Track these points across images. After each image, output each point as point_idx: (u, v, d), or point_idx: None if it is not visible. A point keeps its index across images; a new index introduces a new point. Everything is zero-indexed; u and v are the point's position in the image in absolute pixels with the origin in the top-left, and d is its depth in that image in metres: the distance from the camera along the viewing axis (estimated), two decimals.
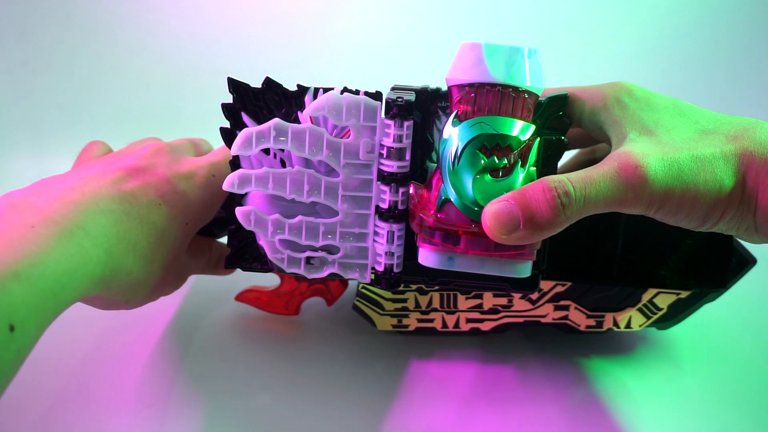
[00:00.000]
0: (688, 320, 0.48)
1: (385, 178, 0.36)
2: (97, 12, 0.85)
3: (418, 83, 0.39)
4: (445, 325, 0.47)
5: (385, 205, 0.36)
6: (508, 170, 0.33)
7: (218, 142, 0.43)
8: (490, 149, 0.33)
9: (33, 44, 0.83)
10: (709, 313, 0.50)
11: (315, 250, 0.38)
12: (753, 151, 0.31)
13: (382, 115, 0.35)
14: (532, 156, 0.34)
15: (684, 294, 0.46)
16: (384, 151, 0.35)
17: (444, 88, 0.37)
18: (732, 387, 0.46)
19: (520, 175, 0.33)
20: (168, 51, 0.86)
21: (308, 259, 0.38)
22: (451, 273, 0.37)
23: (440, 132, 0.35)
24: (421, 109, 0.38)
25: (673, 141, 0.32)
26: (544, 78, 0.34)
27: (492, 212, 0.31)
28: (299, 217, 0.37)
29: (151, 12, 0.85)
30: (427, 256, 0.34)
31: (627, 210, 0.32)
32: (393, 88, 0.38)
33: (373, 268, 0.38)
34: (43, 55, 0.84)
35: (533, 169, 0.34)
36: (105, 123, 0.84)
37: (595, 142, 0.44)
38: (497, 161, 0.33)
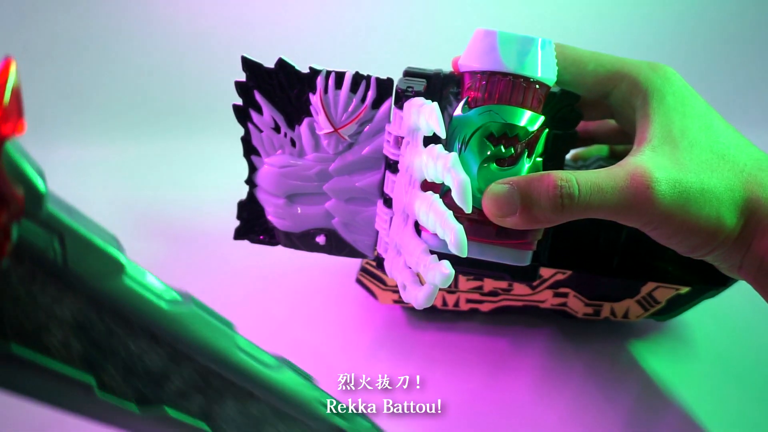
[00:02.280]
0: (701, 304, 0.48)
1: (391, 165, 0.36)
2: None
3: (434, 65, 0.39)
4: (445, 303, 0.48)
5: (390, 192, 0.37)
6: (514, 160, 0.33)
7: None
8: (498, 138, 0.33)
9: (32, 32, 0.82)
10: (724, 296, 0.50)
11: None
12: (761, 197, 0.31)
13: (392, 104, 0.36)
14: (539, 147, 0.34)
15: (683, 290, 0.46)
16: (391, 139, 0.36)
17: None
18: (744, 371, 0.47)
19: (526, 165, 0.33)
20: (171, 38, 0.85)
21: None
22: (452, 257, 0.37)
23: (450, 118, 0.36)
24: (433, 95, 0.39)
25: (690, 161, 0.32)
26: (556, 69, 0.34)
27: (493, 192, 0.32)
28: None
29: None
30: (427, 239, 0.35)
31: (625, 222, 0.32)
32: (406, 72, 0.38)
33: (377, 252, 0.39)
34: (43, 43, 0.83)
35: (539, 159, 0.34)
36: (107, 112, 0.83)
37: (623, 139, 0.44)
38: (504, 150, 0.33)
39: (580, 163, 0.48)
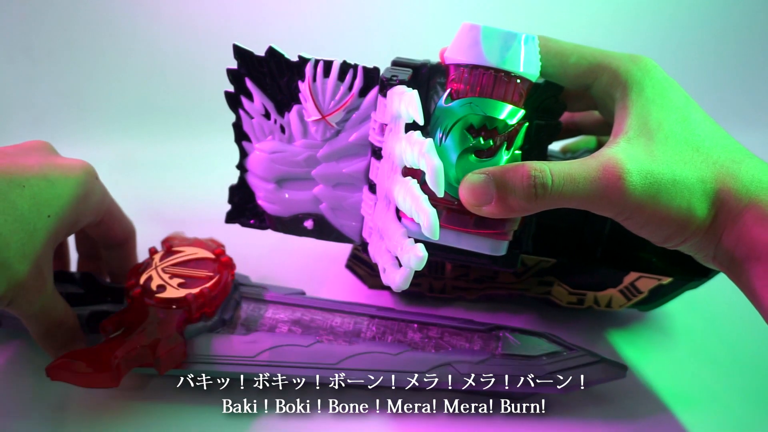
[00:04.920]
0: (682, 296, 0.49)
1: (376, 152, 0.37)
2: None
3: (427, 56, 0.40)
4: (432, 289, 0.49)
5: (375, 178, 0.38)
6: (493, 152, 0.34)
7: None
8: (477, 130, 0.34)
9: (34, 32, 0.82)
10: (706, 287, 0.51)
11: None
12: (731, 190, 0.32)
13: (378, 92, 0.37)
14: (519, 140, 0.35)
15: (665, 280, 0.47)
16: (376, 126, 0.37)
17: None
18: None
19: (504, 157, 0.34)
20: (170, 38, 0.84)
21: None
22: (432, 244, 0.38)
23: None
24: (420, 85, 0.39)
25: (664, 153, 0.33)
26: (539, 65, 0.35)
27: (469, 182, 0.33)
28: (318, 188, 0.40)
29: None
30: (407, 225, 0.35)
31: (598, 212, 0.33)
32: (394, 62, 0.39)
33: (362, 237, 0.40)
34: (45, 43, 0.82)
35: (518, 152, 0.35)
36: (108, 111, 0.83)
37: (608, 130, 0.45)
38: (483, 142, 0.34)
39: (569, 155, 0.49)
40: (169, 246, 0.44)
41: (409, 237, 0.32)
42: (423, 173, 0.30)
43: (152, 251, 0.43)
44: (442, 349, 0.40)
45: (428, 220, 0.30)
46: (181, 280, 0.40)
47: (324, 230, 0.42)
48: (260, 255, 0.53)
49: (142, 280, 0.40)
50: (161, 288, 0.40)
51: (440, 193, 0.30)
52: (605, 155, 0.33)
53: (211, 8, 0.84)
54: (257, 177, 0.41)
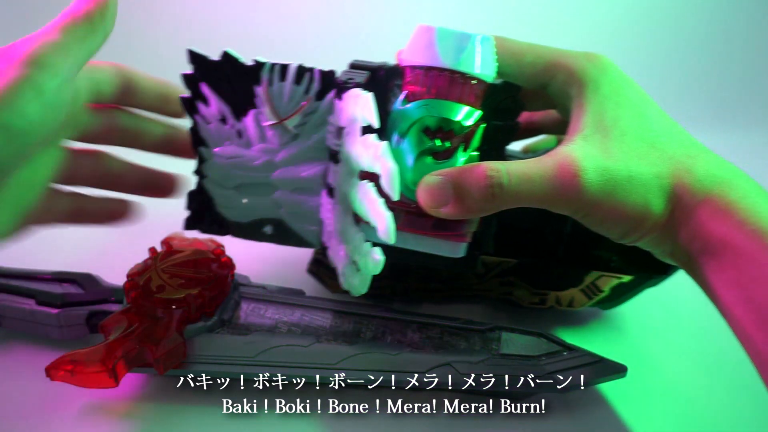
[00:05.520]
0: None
1: (333, 156, 0.37)
2: None
3: (383, 58, 0.40)
4: (394, 292, 0.49)
5: (333, 182, 0.38)
6: (450, 153, 0.34)
7: None
8: (434, 132, 0.34)
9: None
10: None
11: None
12: (687, 185, 0.32)
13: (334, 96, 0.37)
14: (476, 141, 0.35)
15: (626, 278, 0.47)
16: (334, 130, 0.37)
17: None
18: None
19: (461, 159, 0.34)
20: (171, 38, 0.84)
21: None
22: (392, 248, 0.38)
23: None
24: (378, 88, 0.39)
25: (621, 150, 0.33)
26: (495, 66, 0.35)
27: (427, 184, 0.33)
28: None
29: None
30: (365, 229, 0.35)
31: (555, 210, 0.33)
32: (351, 65, 0.39)
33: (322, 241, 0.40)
34: None
35: (476, 153, 0.35)
36: None
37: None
38: (439, 144, 0.34)
39: (530, 156, 0.49)
40: (169, 246, 0.43)
41: (367, 241, 0.32)
42: (379, 176, 0.30)
43: (152, 251, 0.42)
44: (442, 349, 0.40)
45: (384, 223, 0.29)
46: (180, 281, 0.40)
47: (284, 235, 0.41)
48: (260, 255, 0.52)
49: (141, 281, 0.40)
50: (161, 288, 0.39)
51: (395, 197, 0.30)
52: (561, 153, 0.33)
53: (211, 8, 0.84)
54: (215, 183, 0.41)
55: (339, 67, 0.38)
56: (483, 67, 0.34)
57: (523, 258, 0.47)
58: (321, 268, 0.49)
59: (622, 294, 0.48)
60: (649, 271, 0.47)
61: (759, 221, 0.30)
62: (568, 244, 0.47)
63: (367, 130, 0.32)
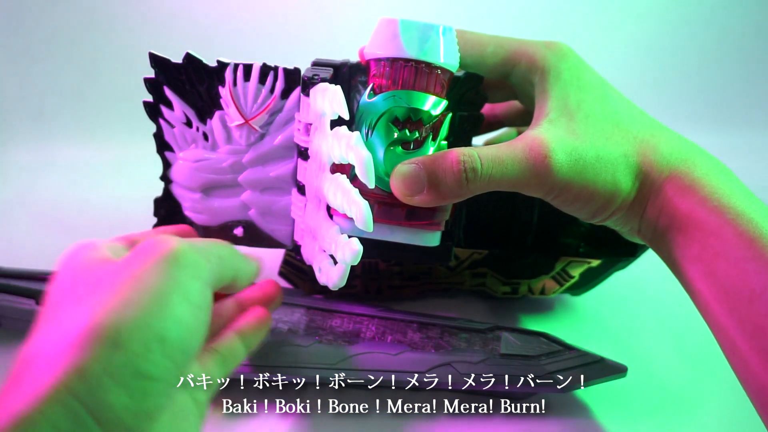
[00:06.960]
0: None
1: (302, 153, 0.37)
2: None
3: (342, 56, 0.40)
4: (367, 290, 0.49)
5: (303, 179, 0.37)
6: (420, 143, 0.34)
7: None
8: (403, 122, 0.34)
9: (34, 31, 0.80)
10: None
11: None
12: (653, 162, 0.33)
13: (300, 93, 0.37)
14: (444, 130, 0.35)
15: (594, 263, 0.48)
16: (301, 127, 0.36)
17: None
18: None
19: (431, 148, 0.35)
20: (170, 38, 0.83)
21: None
22: (367, 242, 0.38)
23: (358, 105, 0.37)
24: (341, 84, 0.39)
25: (587, 131, 0.34)
26: (458, 55, 0.36)
27: (400, 173, 0.33)
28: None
29: None
30: (339, 222, 0.35)
31: (528, 192, 0.33)
32: (314, 63, 0.39)
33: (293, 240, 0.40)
34: (44, 42, 0.81)
35: (444, 143, 0.36)
36: (107, 110, 0.81)
37: (529, 120, 0.45)
38: (409, 134, 0.34)
39: None
40: None
41: (343, 233, 0.32)
42: (352, 168, 0.30)
43: None
44: (442, 349, 0.40)
45: (361, 211, 0.29)
46: None
47: (254, 237, 0.41)
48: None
49: None
50: None
51: (371, 184, 0.30)
52: (530, 136, 0.33)
53: (212, 8, 0.83)
54: (182, 187, 0.40)
55: (301, 66, 0.38)
56: (447, 56, 0.35)
57: (493, 248, 0.48)
58: (293, 270, 0.49)
59: (591, 279, 0.49)
60: (617, 254, 0.48)
61: (721, 198, 0.31)
62: (536, 233, 0.47)
63: (338, 122, 0.32)
